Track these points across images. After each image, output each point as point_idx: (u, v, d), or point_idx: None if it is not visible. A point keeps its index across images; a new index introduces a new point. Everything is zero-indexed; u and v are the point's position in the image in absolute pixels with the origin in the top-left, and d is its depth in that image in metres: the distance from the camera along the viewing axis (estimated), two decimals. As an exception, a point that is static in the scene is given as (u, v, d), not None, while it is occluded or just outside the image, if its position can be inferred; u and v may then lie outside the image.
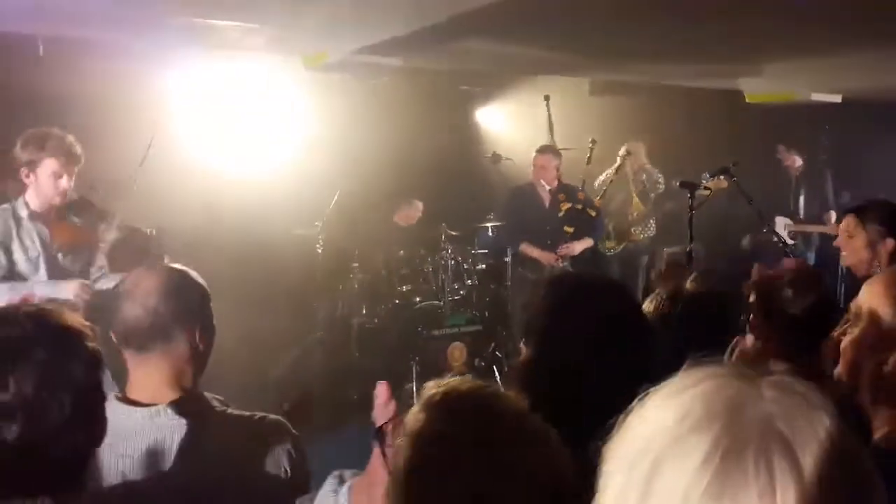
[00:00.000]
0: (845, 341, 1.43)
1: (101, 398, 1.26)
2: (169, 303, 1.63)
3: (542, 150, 5.72)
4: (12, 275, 3.34)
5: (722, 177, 4.85)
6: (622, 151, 6.59)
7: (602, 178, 6.67)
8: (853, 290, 1.55)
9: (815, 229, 6.69)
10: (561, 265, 5.56)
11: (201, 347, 1.69)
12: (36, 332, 1.19)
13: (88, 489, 1.41)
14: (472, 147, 7.28)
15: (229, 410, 1.68)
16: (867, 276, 2.79)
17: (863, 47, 5.04)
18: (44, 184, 3.36)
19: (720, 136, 7.00)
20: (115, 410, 1.58)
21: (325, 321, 5.81)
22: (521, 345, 1.66)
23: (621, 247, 6.76)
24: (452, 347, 5.50)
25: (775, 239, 4.99)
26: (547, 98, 6.11)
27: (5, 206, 3.42)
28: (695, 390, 0.69)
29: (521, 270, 5.79)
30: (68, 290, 3.29)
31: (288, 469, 1.62)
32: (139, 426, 1.57)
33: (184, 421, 1.58)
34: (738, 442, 0.63)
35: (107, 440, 1.54)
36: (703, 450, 0.63)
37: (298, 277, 5.91)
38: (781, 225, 6.83)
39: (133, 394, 1.63)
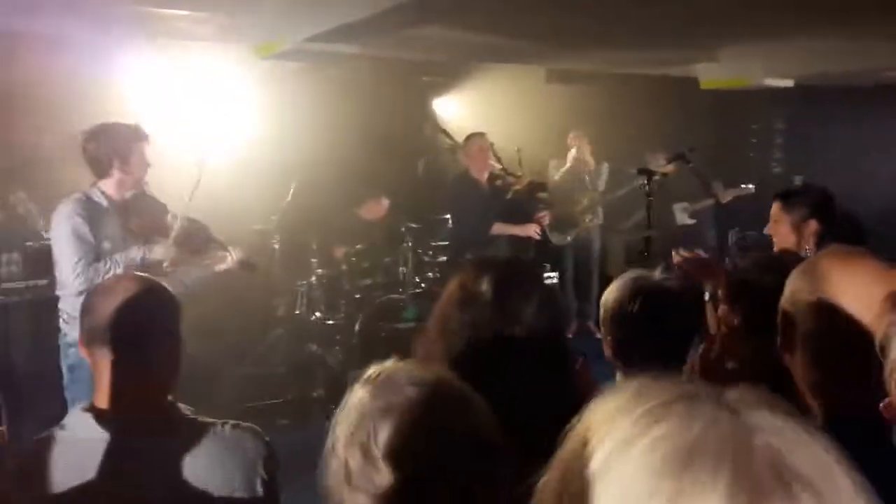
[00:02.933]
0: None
1: None
2: (148, 307, 1.59)
3: (479, 135, 5.74)
4: (101, 259, 3.36)
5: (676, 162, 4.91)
6: (573, 151, 6.71)
7: (557, 177, 6.79)
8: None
9: (705, 203, 6.83)
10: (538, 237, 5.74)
11: (174, 357, 1.63)
12: None
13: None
14: (430, 137, 7.22)
15: (200, 419, 1.59)
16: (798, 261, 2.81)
17: (815, 32, 5.11)
18: (137, 169, 3.50)
19: (675, 122, 7.07)
20: (80, 424, 1.51)
21: (285, 318, 5.69)
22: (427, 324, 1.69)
23: (572, 237, 6.83)
24: (415, 340, 5.43)
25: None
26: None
27: (78, 195, 3.43)
28: (666, 424, 0.59)
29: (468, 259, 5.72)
30: (160, 252, 3.46)
31: (265, 477, 1.57)
32: (108, 441, 1.48)
33: (157, 434, 1.52)
34: (757, 492, 0.54)
35: (73, 457, 1.46)
36: None
37: (257, 274, 5.78)
38: (680, 210, 6.98)
39: (102, 405, 1.54)
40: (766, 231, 3.09)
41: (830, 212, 2.96)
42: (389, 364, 1.18)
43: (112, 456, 1.47)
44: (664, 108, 7.20)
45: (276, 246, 5.57)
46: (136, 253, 3.41)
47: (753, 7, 4.56)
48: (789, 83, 6.45)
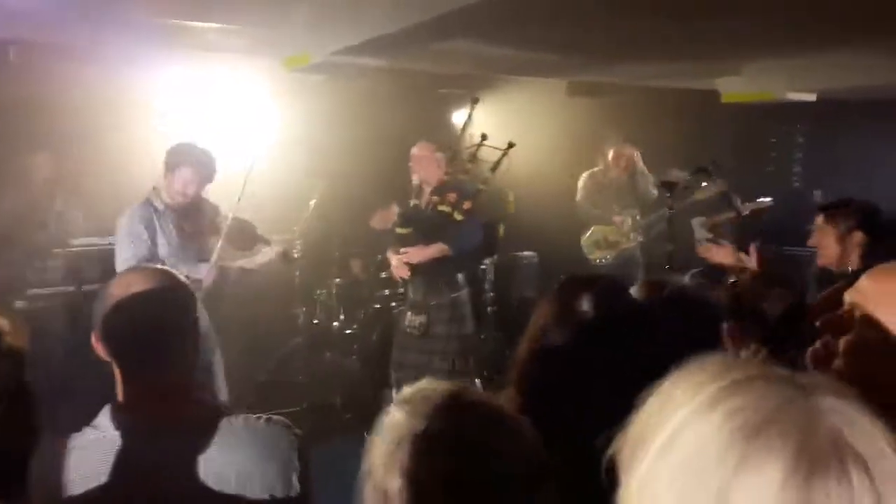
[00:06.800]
0: (843, 343, 1.37)
1: (26, 399, 1.11)
2: (161, 302, 1.54)
3: (420, 142, 5.04)
4: (155, 259, 3.75)
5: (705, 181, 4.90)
6: (611, 155, 6.61)
7: (581, 181, 6.70)
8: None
9: (725, 217, 6.66)
10: (405, 278, 4.84)
11: (191, 352, 1.60)
12: None
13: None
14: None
15: (232, 415, 1.57)
16: (842, 274, 2.84)
17: (838, 46, 5.11)
18: (176, 186, 3.89)
19: (693, 135, 7.05)
20: (108, 423, 1.50)
21: (304, 327, 5.74)
22: (521, 345, 1.66)
23: (612, 255, 6.59)
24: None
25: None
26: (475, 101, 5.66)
27: (144, 201, 3.92)
28: (743, 397, 0.66)
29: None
30: (202, 272, 3.87)
31: (299, 471, 1.56)
32: (136, 440, 1.47)
33: (186, 432, 1.50)
34: (817, 463, 0.61)
35: (104, 457, 1.46)
36: (780, 476, 0.61)
37: (276, 283, 5.83)
38: (698, 224, 6.77)
39: (126, 403, 1.53)
40: (809, 243, 3.15)
41: (876, 224, 3.00)
42: (424, 384, 1.20)
43: (140, 456, 1.46)
44: (683, 121, 7.19)
45: (297, 255, 5.62)
46: (187, 269, 3.71)
47: (776, 21, 4.57)
48: (812, 97, 6.43)
